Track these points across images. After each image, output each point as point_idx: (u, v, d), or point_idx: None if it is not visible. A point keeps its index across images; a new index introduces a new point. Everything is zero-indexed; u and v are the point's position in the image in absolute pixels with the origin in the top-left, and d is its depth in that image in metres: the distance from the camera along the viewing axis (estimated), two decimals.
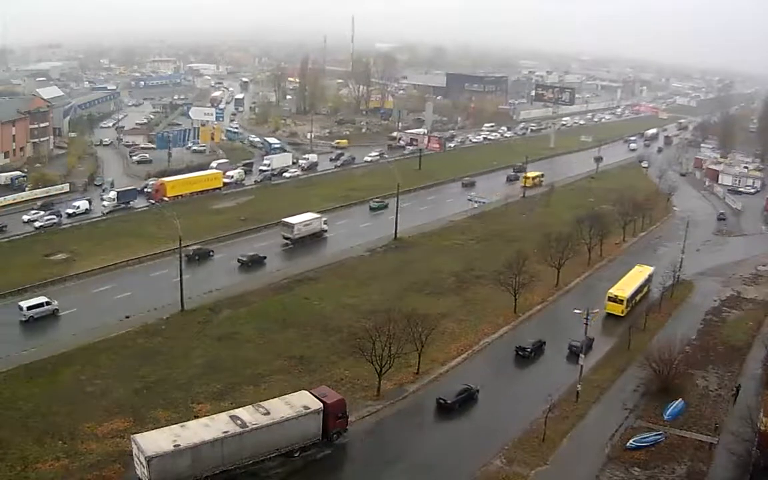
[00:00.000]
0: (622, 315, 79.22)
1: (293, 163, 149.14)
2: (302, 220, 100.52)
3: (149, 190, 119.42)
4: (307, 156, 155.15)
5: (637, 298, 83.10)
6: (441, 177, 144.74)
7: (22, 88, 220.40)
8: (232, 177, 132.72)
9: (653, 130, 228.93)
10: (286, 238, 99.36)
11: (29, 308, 72.76)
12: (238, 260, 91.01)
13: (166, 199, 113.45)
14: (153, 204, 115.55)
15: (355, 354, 60.62)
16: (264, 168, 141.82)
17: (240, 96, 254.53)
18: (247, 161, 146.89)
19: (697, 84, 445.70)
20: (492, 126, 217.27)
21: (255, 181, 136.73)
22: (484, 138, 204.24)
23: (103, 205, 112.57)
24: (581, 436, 56.79)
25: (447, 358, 67.95)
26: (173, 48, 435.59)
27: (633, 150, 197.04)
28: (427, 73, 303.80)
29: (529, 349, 69.44)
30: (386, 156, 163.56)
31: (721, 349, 73.32)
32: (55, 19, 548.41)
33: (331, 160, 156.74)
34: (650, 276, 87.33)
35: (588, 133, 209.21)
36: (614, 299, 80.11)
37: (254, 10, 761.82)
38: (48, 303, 74.16)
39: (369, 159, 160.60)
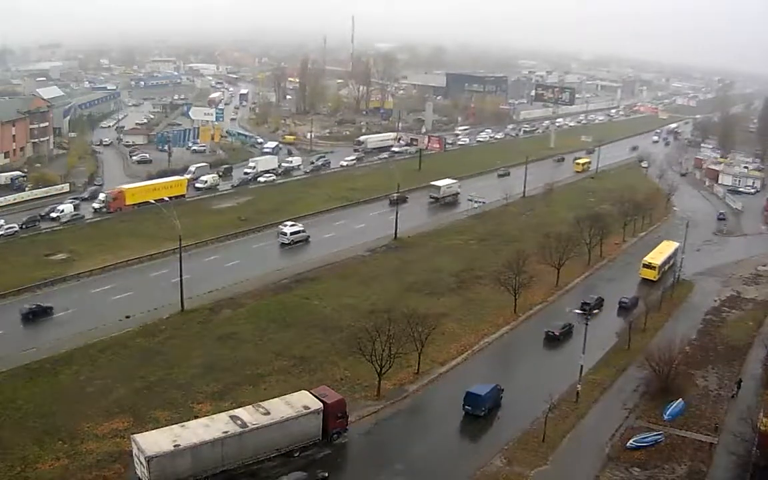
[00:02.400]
0: (654, 279, 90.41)
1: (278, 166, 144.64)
2: (446, 183, 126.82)
3: (106, 198, 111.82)
4: (290, 159, 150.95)
5: (666, 267, 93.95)
6: (441, 177, 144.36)
7: (22, 88, 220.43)
8: (206, 182, 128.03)
9: (674, 125, 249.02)
10: (433, 197, 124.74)
11: (292, 233, 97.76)
12: (431, 197, 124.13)
13: (121, 209, 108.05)
14: (111, 213, 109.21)
15: (355, 354, 60.70)
16: (249, 171, 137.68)
17: (245, 91, 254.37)
18: (227, 166, 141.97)
19: (697, 84, 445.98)
20: (466, 129, 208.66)
21: (232, 186, 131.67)
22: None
23: (62, 213, 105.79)
24: (581, 436, 56.80)
25: (447, 358, 67.97)
26: (173, 48, 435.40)
27: (655, 142, 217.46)
28: (427, 73, 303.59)
29: (591, 304, 79.68)
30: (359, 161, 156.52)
31: (721, 349, 73.28)
32: (55, 19, 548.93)
33: (311, 163, 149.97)
34: (676, 250, 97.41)
35: (582, 133, 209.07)
36: (648, 266, 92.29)
37: (254, 10, 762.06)
38: (303, 231, 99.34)
39: (345, 163, 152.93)
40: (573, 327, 74.05)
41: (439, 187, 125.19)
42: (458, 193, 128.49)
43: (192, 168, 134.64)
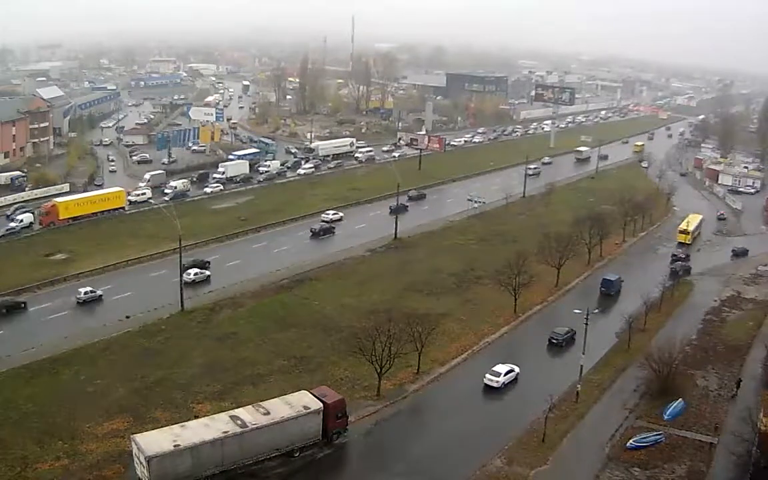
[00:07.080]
0: (688, 242, 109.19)
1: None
2: (585, 149, 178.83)
3: (40, 212, 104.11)
4: (267, 163, 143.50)
5: (696, 233, 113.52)
6: (441, 177, 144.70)
7: (22, 88, 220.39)
8: (175, 187, 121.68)
9: (700, 117, 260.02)
10: (577, 158, 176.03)
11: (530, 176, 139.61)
12: (576, 157, 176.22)
13: (55, 223, 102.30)
14: (44, 228, 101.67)
15: (355, 354, 60.52)
16: (218, 176, 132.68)
17: (247, 83, 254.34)
18: (202, 171, 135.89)
19: (697, 84, 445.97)
20: (425, 133, 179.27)
21: (166, 198, 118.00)
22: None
23: (21, 222, 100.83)
24: (581, 436, 56.75)
25: (447, 358, 67.91)
26: (173, 48, 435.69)
27: (682, 133, 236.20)
28: (427, 73, 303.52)
29: (683, 256, 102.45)
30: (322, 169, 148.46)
31: (721, 349, 73.21)
32: (55, 19, 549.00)
33: (262, 170, 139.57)
34: (702, 220, 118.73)
35: (579, 134, 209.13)
36: (683, 231, 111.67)
37: (254, 10, 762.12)
38: (546, 163, 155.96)
39: (303, 171, 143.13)
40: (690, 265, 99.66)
41: (581, 151, 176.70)
42: (590, 157, 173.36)
43: (147, 176, 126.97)
